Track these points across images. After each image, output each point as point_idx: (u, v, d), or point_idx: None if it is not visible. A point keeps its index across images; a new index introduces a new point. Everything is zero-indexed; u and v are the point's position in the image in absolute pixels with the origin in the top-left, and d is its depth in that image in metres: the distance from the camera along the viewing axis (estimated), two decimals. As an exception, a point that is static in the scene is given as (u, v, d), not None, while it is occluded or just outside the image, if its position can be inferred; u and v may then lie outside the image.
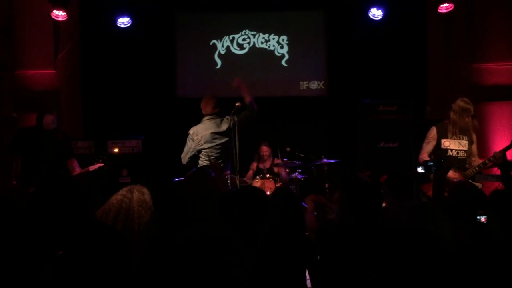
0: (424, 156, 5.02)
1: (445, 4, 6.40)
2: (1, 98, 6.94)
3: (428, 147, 5.05)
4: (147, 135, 7.00)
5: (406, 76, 7.31)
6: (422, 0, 7.25)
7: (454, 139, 4.97)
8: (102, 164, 5.29)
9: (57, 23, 6.89)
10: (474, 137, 5.07)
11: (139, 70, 7.64)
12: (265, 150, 6.90)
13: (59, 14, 6.34)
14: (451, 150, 4.95)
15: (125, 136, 6.84)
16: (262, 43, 7.95)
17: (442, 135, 5.01)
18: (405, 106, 6.69)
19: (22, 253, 2.29)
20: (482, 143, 6.74)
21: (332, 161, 6.44)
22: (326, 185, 6.37)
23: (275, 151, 6.80)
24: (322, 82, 7.89)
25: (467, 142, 4.97)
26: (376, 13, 6.79)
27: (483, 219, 4.45)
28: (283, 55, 7.93)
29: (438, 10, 6.50)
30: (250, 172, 6.89)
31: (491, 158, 4.72)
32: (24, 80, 7.11)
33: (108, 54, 7.58)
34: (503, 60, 6.90)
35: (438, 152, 4.98)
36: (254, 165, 6.96)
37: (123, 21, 7.27)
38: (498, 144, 6.65)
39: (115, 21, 7.28)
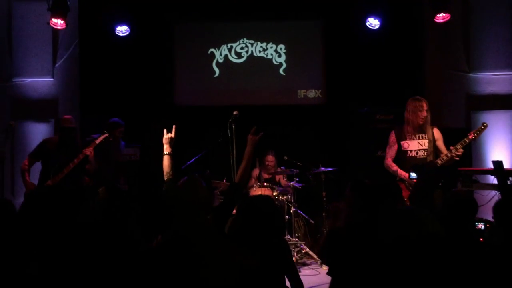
0: (389, 161, 5.15)
1: (442, 14, 6.42)
2: (-1, 106, 6.95)
3: (390, 152, 5.17)
4: (145, 143, 7.00)
5: (403, 85, 7.33)
6: (419, 10, 7.30)
7: (413, 139, 5.07)
8: (107, 135, 5.57)
9: (55, 31, 6.91)
10: (437, 133, 5.10)
11: (138, 79, 7.67)
12: (270, 159, 6.87)
13: (58, 23, 6.35)
14: (410, 151, 5.06)
15: (123, 144, 6.84)
16: (260, 51, 7.98)
17: (400, 137, 5.13)
18: (402, 115, 6.71)
19: (10, 252, 2.30)
20: (479, 151, 6.76)
21: (330, 169, 6.44)
22: (324, 194, 6.36)
23: (280, 161, 6.79)
24: (320, 90, 7.92)
25: (426, 140, 5.03)
26: (373, 23, 6.82)
27: (480, 225, 4.47)
28: (281, 64, 7.96)
29: (435, 20, 6.53)
30: (252, 181, 6.80)
31: (448, 154, 4.81)
32: (22, 88, 7.10)
33: (106, 63, 7.60)
34: (499, 70, 6.94)
35: (400, 154, 5.08)
36: (256, 172, 6.80)
37: (122, 30, 7.30)
38: (494, 152, 6.67)
39: (114, 29, 7.30)
